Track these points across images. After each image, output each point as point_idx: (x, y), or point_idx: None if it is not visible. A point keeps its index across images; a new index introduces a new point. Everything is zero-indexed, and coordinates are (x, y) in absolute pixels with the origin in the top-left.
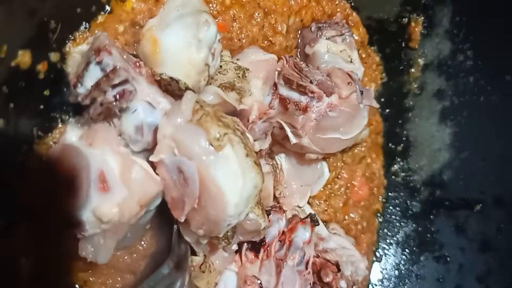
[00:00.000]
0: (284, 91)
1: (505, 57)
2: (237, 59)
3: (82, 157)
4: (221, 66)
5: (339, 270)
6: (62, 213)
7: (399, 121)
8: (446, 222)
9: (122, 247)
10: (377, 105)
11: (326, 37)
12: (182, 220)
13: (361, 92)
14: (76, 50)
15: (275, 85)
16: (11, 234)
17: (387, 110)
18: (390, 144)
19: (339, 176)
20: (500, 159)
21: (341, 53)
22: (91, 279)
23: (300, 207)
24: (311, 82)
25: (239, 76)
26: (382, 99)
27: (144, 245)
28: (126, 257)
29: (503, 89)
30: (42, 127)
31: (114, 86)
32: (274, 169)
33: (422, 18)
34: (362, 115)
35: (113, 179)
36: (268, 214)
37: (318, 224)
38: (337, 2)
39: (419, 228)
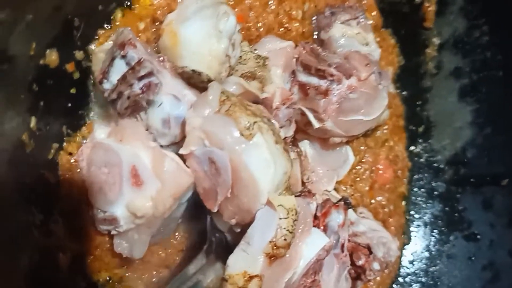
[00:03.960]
0: (303, 77)
1: None
2: (255, 49)
3: (113, 154)
4: (241, 57)
5: (371, 252)
6: (96, 210)
7: (419, 102)
8: (473, 199)
9: (156, 241)
10: (392, 90)
11: (341, 21)
12: (215, 210)
13: (379, 73)
14: (100, 49)
15: (293, 72)
16: (49, 230)
17: (406, 92)
18: (411, 126)
19: (363, 160)
20: None
21: (356, 36)
22: (126, 274)
23: (328, 191)
24: (329, 65)
25: (259, 65)
26: (400, 82)
27: (178, 238)
28: (160, 252)
29: None
30: (71, 125)
31: (140, 79)
32: (299, 155)
33: None
34: (382, 95)
35: (146, 173)
36: None
37: (352, 207)
38: None
39: (446, 208)
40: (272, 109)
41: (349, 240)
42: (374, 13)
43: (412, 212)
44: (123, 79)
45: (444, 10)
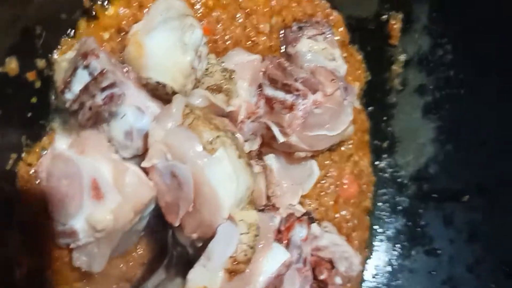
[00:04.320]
0: (269, 91)
1: (483, 49)
2: (222, 62)
3: (73, 166)
4: (207, 69)
5: (333, 267)
6: (55, 223)
7: (384, 118)
8: (435, 215)
9: (117, 254)
10: (358, 105)
11: (308, 36)
12: (177, 224)
13: (345, 89)
14: (63, 58)
15: (260, 85)
16: (4, 242)
17: (371, 108)
18: (376, 141)
19: (328, 175)
20: (482, 148)
21: (323, 51)
22: None
23: (293, 205)
24: (295, 80)
25: (226, 78)
26: (366, 98)
27: (140, 252)
28: (121, 265)
29: (483, 81)
30: (31, 135)
31: (102, 90)
32: (264, 169)
33: (401, 14)
34: (347, 111)
35: (106, 186)
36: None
37: (316, 221)
38: (316, 2)
39: (409, 223)
40: (237, 123)
41: (312, 255)
42: (341, 29)
43: (375, 227)
44: (85, 89)
45: (409, 28)
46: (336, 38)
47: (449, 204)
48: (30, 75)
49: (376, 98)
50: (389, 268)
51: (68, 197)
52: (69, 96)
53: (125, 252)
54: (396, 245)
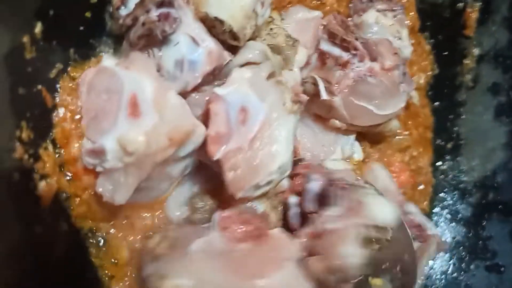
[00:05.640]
0: (325, 45)
1: None
2: (282, 18)
3: (116, 79)
4: (271, 29)
5: None
6: (85, 140)
7: (450, 116)
8: (500, 228)
9: (144, 201)
10: (416, 101)
11: (377, 9)
12: (216, 157)
13: (404, 74)
14: None
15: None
16: (37, 154)
17: (437, 103)
18: (439, 140)
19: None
20: None
21: (390, 27)
22: (111, 231)
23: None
24: (356, 39)
25: (288, 44)
26: (432, 92)
27: None
28: (147, 215)
29: None
30: (79, 50)
31: (159, 6)
32: None
33: (479, 3)
34: (400, 97)
35: (146, 104)
36: None
37: None
38: None
39: (470, 234)
40: None
41: None
42: (412, 14)
43: None
44: (141, 3)
45: (487, 19)
46: (406, 19)
47: None
48: None
49: (443, 94)
50: (443, 282)
51: (104, 112)
52: (123, 12)
53: (154, 201)
54: (454, 257)
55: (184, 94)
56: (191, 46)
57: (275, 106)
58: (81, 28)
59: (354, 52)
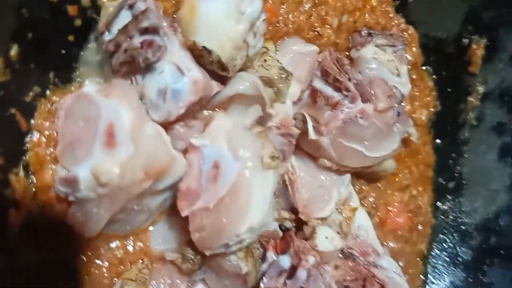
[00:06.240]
0: (318, 83)
1: None
2: (277, 50)
3: (94, 106)
4: (265, 60)
5: None
6: (58, 167)
7: (452, 155)
8: (502, 274)
9: (119, 230)
10: (414, 139)
11: (376, 44)
12: (185, 214)
13: (398, 114)
14: (112, 3)
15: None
16: (6, 180)
17: (439, 141)
18: (440, 179)
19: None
20: None
21: (388, 63)
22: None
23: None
24: (349, 79)
25: (281, 77)
26: (434, 129)
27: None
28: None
29: None
30: (60, 74)
31: (142, 32)
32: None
33: (485, 40)
34: (393, 138)
35: (122, 134)
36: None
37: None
38: (391, 15)
39: (470, 279)
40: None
41: (365, 266)
42: (415, 49)
43: (429, 276)
44: (124, 29)
45: (493, 56)
46: (406, 55)
47: None
48: (72, 10)
49: (446, 131)
50: None
51: (80, 140)
52: (107, 37)
53: (131, 232)
54: None
55: (168, 126)
56: (175, 75)
57: (251, 162)
58: (63, 51)
59: (346, 93)
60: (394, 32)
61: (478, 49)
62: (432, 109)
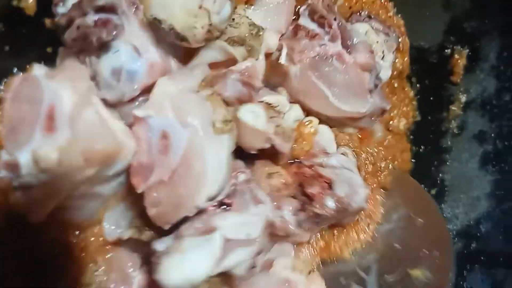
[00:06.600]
0: (303, 21)
1: None
2: (251, 5)
3: (38, 89)
4: (233, 19)
5: (330, 188)
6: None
7: (435, 162)
8: (482, 280)
9: (74, 217)
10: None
11: (371, 25)
12: (140, 190)
13: (376, 86)
14: None
15: (297, 16)
16: None
17: (421, 148)
18: (422, 186)
19: None
20: None
21: (377, 44)
22: None
23: None
24: (335, 19)
25: (252, 33)
26: (414, 136)
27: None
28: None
29: None
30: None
31: (97, 10)
32: None
33: (467, 50)
34: (364, 102)
35: (62, 118)
36: None
37: None
38: (390, 14)
39: (449, 284)
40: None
41: (311, 166)
42: (406, 59)
43: None
44: (78, 3)
45: (474, 66)
46: (396, 47)
47: (500, 270)
48: (49, 22)
49: (428, 139)
50: None
51: (23, 123)
52: (60, 10)
53: (85, 222)
54: None
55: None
56: (131, 55)
57: (201, 129)
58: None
59: (327, 29)
60: (394, 29)
61: (460, 59)
62: (411, 119)
